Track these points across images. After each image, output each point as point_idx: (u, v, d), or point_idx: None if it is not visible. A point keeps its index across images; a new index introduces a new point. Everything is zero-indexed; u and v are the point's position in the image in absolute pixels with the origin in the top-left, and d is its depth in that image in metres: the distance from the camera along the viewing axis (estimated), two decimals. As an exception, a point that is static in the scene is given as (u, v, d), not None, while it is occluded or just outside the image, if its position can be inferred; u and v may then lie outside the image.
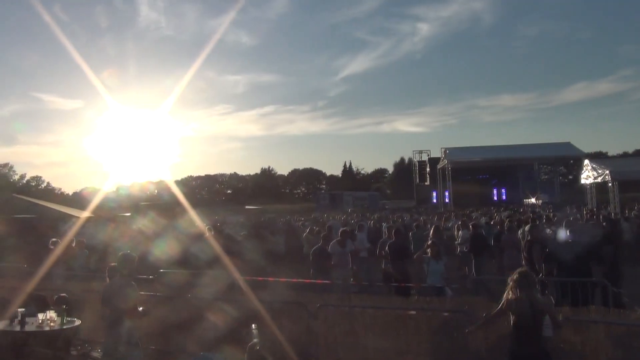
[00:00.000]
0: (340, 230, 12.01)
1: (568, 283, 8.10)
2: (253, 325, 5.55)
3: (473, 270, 12.27)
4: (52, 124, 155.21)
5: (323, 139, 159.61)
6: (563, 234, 10.27)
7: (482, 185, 60.34)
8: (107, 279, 6.55)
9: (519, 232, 13.41)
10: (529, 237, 10.45)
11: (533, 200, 51.30)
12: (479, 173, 62.65)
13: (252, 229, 18.71)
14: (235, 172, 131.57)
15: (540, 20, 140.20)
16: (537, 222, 15.22)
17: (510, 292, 5.12)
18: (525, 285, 5.06)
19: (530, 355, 4.95)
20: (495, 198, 60.25)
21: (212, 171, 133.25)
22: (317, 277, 10.20)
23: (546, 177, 69.79)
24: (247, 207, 66.87)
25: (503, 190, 61.17)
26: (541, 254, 9.27)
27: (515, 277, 5.16)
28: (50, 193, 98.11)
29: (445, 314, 6.84)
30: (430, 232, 12.42)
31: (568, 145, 56.11)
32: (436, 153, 62.39)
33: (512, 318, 5.08)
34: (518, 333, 5.00)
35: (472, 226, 13.75)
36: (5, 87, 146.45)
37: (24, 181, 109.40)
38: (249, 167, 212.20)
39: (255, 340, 5.32)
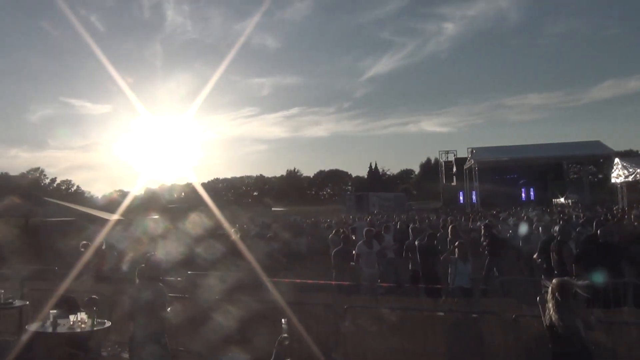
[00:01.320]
0: (365, 230, 11.92)
1: (600, 284, 7.94)
2: (283, 320, 5.55)
3: (484, 271, 11.98)
4: (82, 128, 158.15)
5: (348, 140, 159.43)
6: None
7: (510, 185, 59.50)
8: (136, 281, 6.61)
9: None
10: (559, 238, 10.25)
11: (562, 200, 50.49)
12: (507, 173, 61.84)
13: (278, 230, 18.73)
14: (261, 174, 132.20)
15: (568, 18, 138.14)
16: (567, 222, 14.97)
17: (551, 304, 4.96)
18: (564, 296, 4.92)
19: (573, 355, 4.84)
20: (524, 198, 59.37)
21: (238, 173, 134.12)
22: (339, 278, 10.17)
23: (575, 176, 68.67)
24: (273, 209, 67.17)
25: (531, 190, 60.23)
26: (571, 255, 9.10)
27: (554, 287, 5.01)
28: (80, 196, 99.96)
29: (474, 315, 6.76)
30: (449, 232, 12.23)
31: (597, 143, 55.10)
32: (463, 153, 61.88)
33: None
34: (557, 334, 4.88)
35: (484, 226, 13.52)
36: (36, 93, 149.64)
37: (55, 185, 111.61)
38: (274, 169, 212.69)
39: (284, 335, 5.33)
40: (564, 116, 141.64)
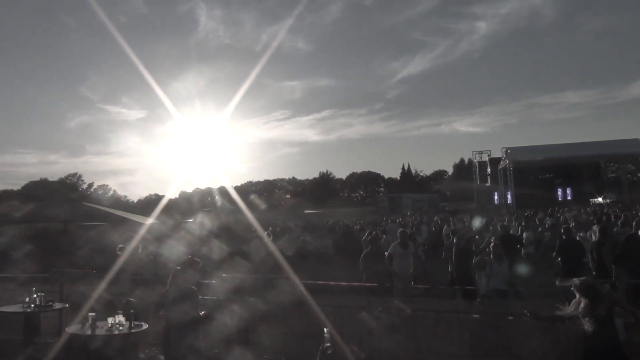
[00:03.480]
0: (400, 230, 11.83)
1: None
2: (325, 330, 5.54)
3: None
4: (118, 134, 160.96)
5: (381, 142, 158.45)
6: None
7: (546, 185, 58.37)
8: (171, 284, 6.70)
9: (587, 233, 12.93)
10: (598, 238, 10.02)
11: (600, 199, 49.34)
12: (542, 172, 60.72)
13: (308, 232, 18.78)
14: (293, 177, 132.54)
15: (604, 13, 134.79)
16: (606, 223, 14.62)
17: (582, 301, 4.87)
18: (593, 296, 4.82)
19: (604, 352, 4.73)
20: (560, 198, 58.18)
21: (271, 176, 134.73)
22: (368, 281, 10.09)
23: (613, 175, 66.91)
24: (306, 211, 67.26)
25: (568, 190, 58.97)
26: (612, 256, 8.88)
27: (580, 285, 4.91)
28: (117, 201, 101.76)
29: (510, 317, 6.66)
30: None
31: (635, 141, 53.63)
32: (497, 153, 61.01)
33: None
34: (591, 329, 4.77)
35: (499, 227, 13.29)
36: (74, 100, 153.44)
37: (92, 190, 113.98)
38: (307, 172, 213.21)
39: (327, 344, 5.32)
40: (600, 114, 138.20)
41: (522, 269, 10.02)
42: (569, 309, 5.03)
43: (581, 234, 12.70)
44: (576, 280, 5.01)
